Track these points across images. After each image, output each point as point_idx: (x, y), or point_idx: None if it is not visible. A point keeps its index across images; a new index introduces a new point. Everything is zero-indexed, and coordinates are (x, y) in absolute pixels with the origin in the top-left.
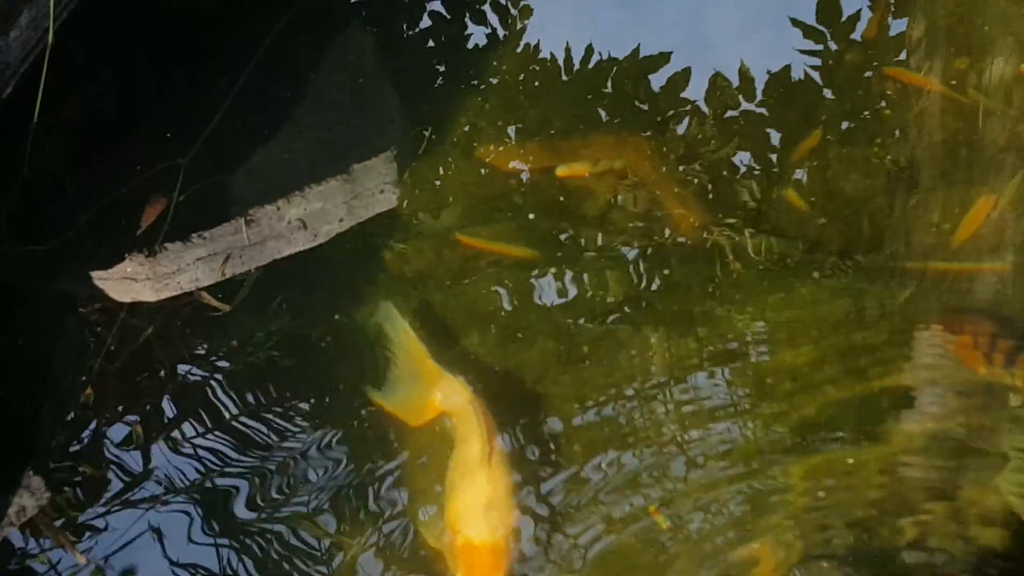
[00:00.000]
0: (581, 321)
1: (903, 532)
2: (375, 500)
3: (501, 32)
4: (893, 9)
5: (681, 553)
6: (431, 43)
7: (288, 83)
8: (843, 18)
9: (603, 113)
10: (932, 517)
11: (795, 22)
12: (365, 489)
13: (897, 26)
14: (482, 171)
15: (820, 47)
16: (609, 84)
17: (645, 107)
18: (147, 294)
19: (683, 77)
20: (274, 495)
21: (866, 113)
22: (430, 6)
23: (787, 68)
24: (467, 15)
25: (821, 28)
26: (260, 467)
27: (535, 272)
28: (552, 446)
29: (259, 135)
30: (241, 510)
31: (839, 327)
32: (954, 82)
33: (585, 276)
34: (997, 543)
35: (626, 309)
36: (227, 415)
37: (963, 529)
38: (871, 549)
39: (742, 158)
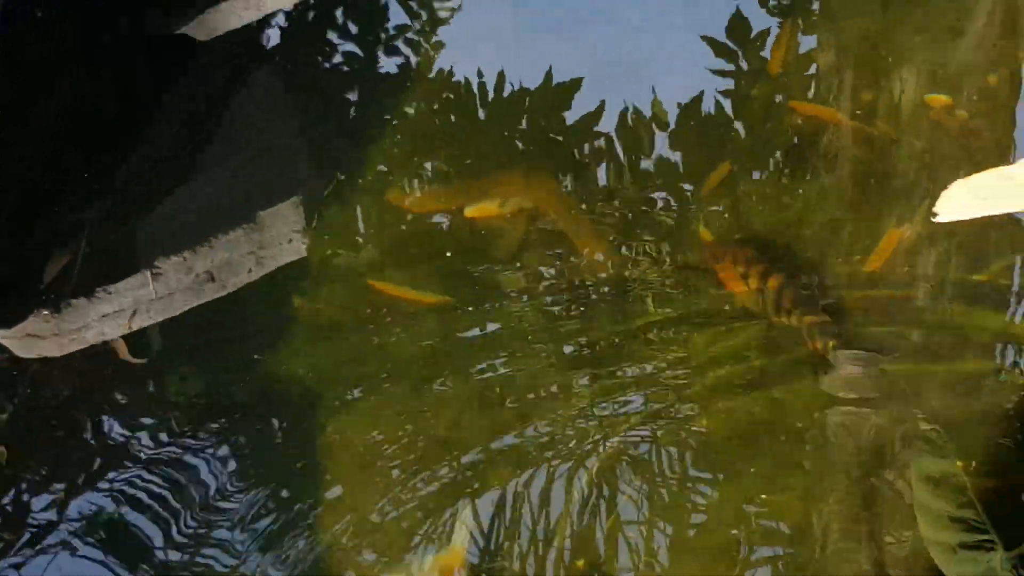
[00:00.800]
0: (496, 363)
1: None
2: (297, 544)
3: (414, 66)
4: (800, 42)
5: None
6: (342, 84)
7: (195, 131)
8: (752, 34)
9: (518, 146)
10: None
11: (706, 39)
12: (289, 531)
13: (804, 61)
14: (393, 214)
15: (731, 67)
16: (524, 123)
17: (559, 139)
18: (53, 350)
19: (596, 110)
20: (195, 536)
21: (775, 146)
22: (342, 47)
23: (699, 99)
24: (380, 51)
25: (732, 46)
26: (179, 510)
27: (448, 316)
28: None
29: (165, 185)
30: (163, 554)
31: (753, 359)
32: (860, 113)
33: (499, 318)
34: None
35: (541, 349)
36: (148, 462)
37: None
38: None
39: (655, 193)
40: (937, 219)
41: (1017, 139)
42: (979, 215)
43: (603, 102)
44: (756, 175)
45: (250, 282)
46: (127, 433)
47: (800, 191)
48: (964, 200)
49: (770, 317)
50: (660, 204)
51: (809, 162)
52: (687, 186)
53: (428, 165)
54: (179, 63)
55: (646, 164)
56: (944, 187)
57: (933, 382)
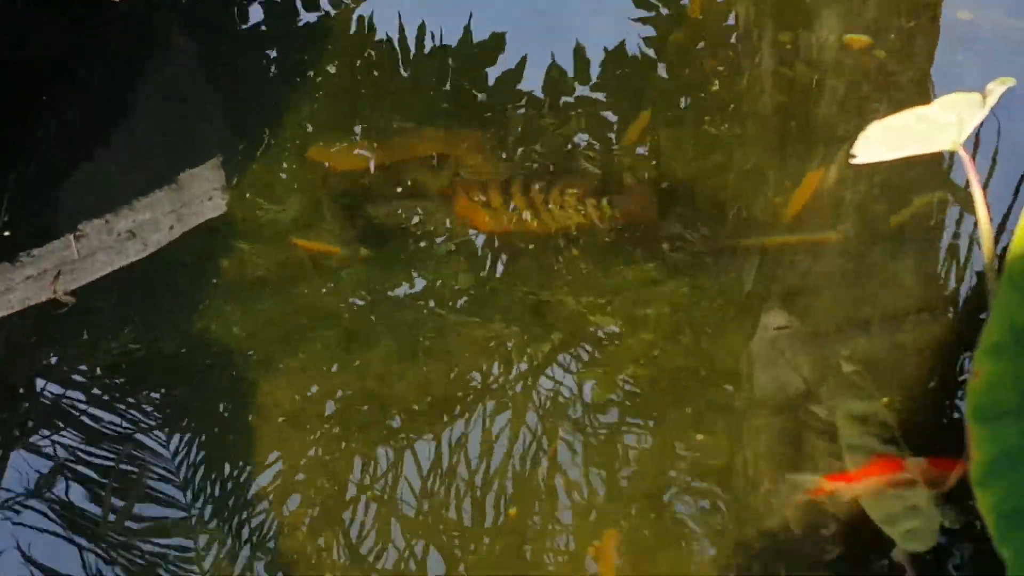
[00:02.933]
0: (422, 317)
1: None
2: (243, 497)
3: (333, 21)
4: None
5: (538, 547)
6: (260, 40)
7: (113, 94)
8: None
9: (443, 103)
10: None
11: None
12: (232, 488)
13: (723, 6)
14: (316, 171)
15: (651, 14)
16: (446, 74)
17: (482, 96)
18: None
19: (519, 70)
20: (139, 498)
21: (695, 92)
22: (260, 3)
23: (621, 47)
24: (298, 5)
25: None
26: (122, 470)
27: (373, 271)
28: (398, 446)
29: (84, 149)
30: (105, 514)
31: (679, 307)
32: (781, 56)
33: (424, 272)
34: None
35: (467, 302)
36: (83, 421)
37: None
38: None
39: (579, 143)
40: (855, 161)
41: (935, 79)
42: (896, 156)
43: (525, 56)
44: (677, 122)
45: (172, 240)
46: (60, 391)
47: (720, 137)
48: (881, 141)
49: (539, 224)
50: (582, 156)
51: (729, 106)
52: (611, 135)
53: (350, 122)
54: (92, 25)
55: (568, 113)
56: (863, 128)
57: (856, 321)
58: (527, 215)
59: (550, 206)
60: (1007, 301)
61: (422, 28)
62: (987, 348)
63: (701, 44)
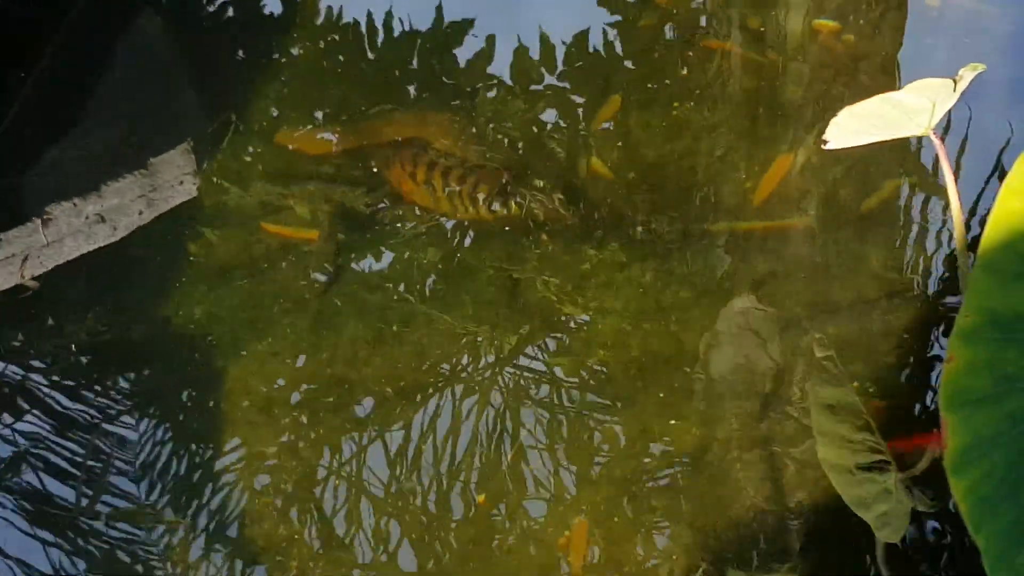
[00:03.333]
0: (391, 301)
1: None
2: (211, 481)
3: (301, 6)
4: None
5: (507, 535)
6: (229, 26)
7: (80, 78)
8: None
9: (411, 88)
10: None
11: None
12: (200, 472)
13: None
14: (285, 156)
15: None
16: (414, 59)
17: (451, 82)
18: None
19: (488, 49)
20: (102, 487)
21: (665, 77)
22: None
23: (586, 32)
24: None
25: None
26: (87, 459)
27: (344, 254)
28: (368, 430)
29: (51, 133)
30: (68, 502)
31: (648, 291)
32: (749, 41)
33: (393, 256)
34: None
35: (437, 286)
36: (50, 406)
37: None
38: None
39: (548, 130)
40: (826, 147)
41: (903, 63)
42: (867, 142)
43: (493, 38)
44: (645, 107)
45: (142, 225)
46: (22, 374)
47: (690, 122)
48: (851, 127)
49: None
50: (551, 142)
51: (698, 91)
52: (580, 120)
53: (318, 106)
54: (59, 8)
55: (537, 98)
56: (833, 114)
57: (827, 307)
58: (437, 198)
59: (448, 194)
60: (981, 287)
61: (389, 13)
62: (961, 334)
63: (670, 28)
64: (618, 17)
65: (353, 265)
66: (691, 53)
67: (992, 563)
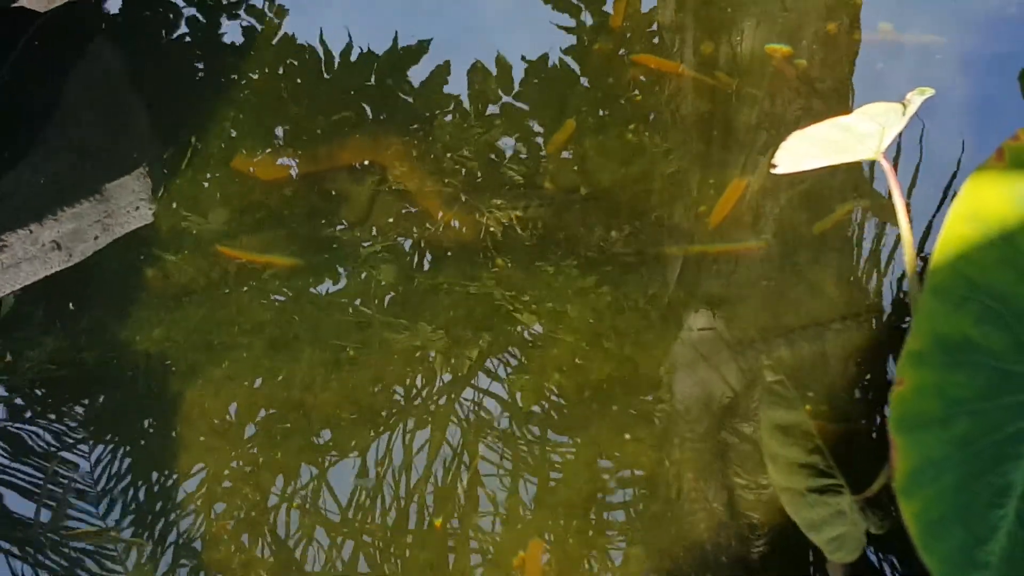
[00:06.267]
0: (347, 326)
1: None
2: (167, 507)
3: (258, 30)
4: None
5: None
6: (185, 51)
7: (35, 104)
8: None
9: (367, 111)
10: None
11: None
12: (157, 498)
13: (646, 14)
14: (242, 181)
15: (574, 22)
16: (372, 80)
17: (409, 102)
18: None
19: (444, 70)
20: (62, 509)
21: (619, 100)
22: (185, 13)
23: (544, 56)
24: (223, 17)
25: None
26: (46, 483)
27: (299, 280)
28: (322, 455)
29: (7, 159)
30: (26, 521)
31: (603, 315)
32: (703, 65)
33: (349, 281)
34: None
35: (392, 311)
36: (7, 432)
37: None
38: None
39: (505, 152)
40: (776, 171)
41: (856, 87)
42: (817, 166)
43: (448, 62)
44: (600, 131)
45: (98, 250)
46: None
47: (644, 145)
48: (801, 151)
49: None
50: (507, 165)
51: (652, 116)
52: (536, 143)
53: (275, 131)
54: (12, 33)
55: (493, 121)
56: (785, 137)
57: (780, 331)
58: None
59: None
60: (929, 311)
61: (348, 37)
62: (910, 357)
63: (623, 52)
64: (575, 35)
65: (309, 289)
66: (643, 78)
67: None
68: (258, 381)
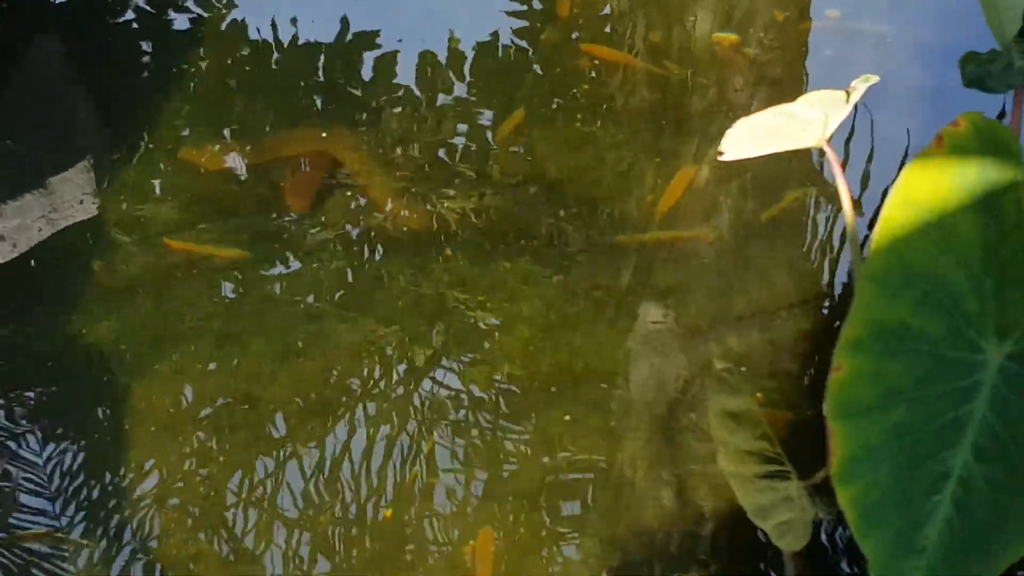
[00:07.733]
0: (296, 317)
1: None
2: (118, 502)
3: (205, 22)
4: None
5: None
6: (131, 42)
7: None
8: None
9: (317, 101)
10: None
11: None
12: (107, 493)
13: (595, 2)
14: (189, 172)
15: (524, 7)
16: (320, 71)
17: (357, 92)
18: None
19: (393, 58)
20: (11, 508)
21: (568, 90)
22: (131, 3)
23: (494, 43)
24: (169, 8)
25: None
26: None
27: (247, 272)
28: (273, 447)
29: None
30: None
31: (553, 305)
32: (650, 55)
33: (298, 273)
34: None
35: (342, 302)
36: None
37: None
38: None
39: (455, 142)
40: (722, 158)
41: (805, 76)
42: (762, 153)
43: (398, 52)
44: (549, 120)
45: (44, 243)
46: None
47: (593, 134)
48: (747, 139)
49: None
50: (457, 155)
51: (601, 105)
52: (486, 133)
53: (224, 122)
54: None
55: (443, 111)
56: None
57: (729, 319)
58: None
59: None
60: (867, 297)
61: (295, 24)
62: (847, 344)
63: (575, 36)
64: (524, 23)
65: (257, 280)
66: (591, 68)
67: (879, 571)
68: (208, 372)
